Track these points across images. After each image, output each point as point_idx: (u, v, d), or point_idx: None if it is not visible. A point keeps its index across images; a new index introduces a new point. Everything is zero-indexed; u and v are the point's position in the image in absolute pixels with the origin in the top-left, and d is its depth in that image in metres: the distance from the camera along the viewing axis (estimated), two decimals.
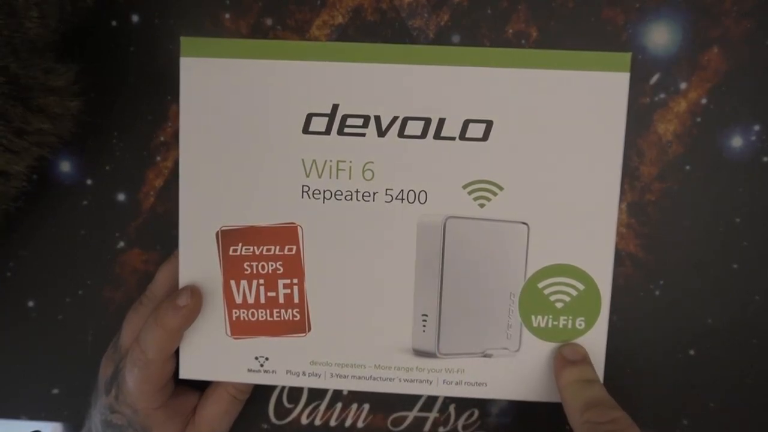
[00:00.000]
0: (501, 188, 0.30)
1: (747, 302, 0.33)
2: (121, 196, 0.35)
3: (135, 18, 0.33)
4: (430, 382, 0.32)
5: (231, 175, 0.31)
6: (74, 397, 0.36)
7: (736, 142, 0.32)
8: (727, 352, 0.33)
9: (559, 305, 0.31)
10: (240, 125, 0.31)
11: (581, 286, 0.31)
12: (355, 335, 0.31)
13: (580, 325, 0.31)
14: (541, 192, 0.30)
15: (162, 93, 0.33)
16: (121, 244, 0.35)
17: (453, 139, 0.30)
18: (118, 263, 0.35)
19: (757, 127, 0.32)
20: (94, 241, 0.35)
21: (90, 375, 0.35)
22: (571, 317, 0.31)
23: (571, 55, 0.29)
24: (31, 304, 0.36)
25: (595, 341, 0.31)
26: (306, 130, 0.30)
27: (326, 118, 0.30)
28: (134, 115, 0.34)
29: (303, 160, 0.31)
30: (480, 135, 0.30)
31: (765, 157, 0.32)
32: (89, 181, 0.35)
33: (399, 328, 0.31)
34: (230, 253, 0.31)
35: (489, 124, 0.30)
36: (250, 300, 0.31)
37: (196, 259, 0.31)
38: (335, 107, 0.30)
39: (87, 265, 0.35)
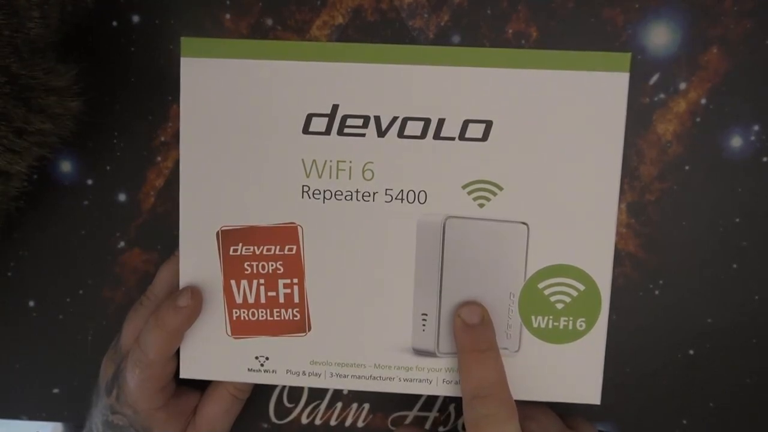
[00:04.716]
0: (501, 188, 0.30)
1: (747, 302, 0.33)
2: (121, 196, 0.35)
3: (135, 18, 0.33)
4: (430, 382, 0.32)
5: (231, 175, 0.31)
6: (74, 397, 0.36)
7: (736, 142, 0.32)
8: (727, 352, 0.33)
9: (559, 306, 0.31)
10: (240, 125, 0.31)
11: (581, 287, 0.31)
12: (355, 335, 0.31)
13: (581, 326, 0.31)
14: (540, 192, 0.30)
15: (162, 93, 0.33)
16: (121, 244, 0.35)
17: (452, 139, 0.30)
18: (118, 263, 0.35)
19: (756, 127, 0.32)
20: (94, 241, 0.35)
21: (90, 375, 0.35)
22: (571, 318, 0.31)
23: (571, 55, 0.30)
24: (31, 304, 0.36)
25: (595, 341, 0.31)
26: (306, 130, 0.30)
27: (326, 119, 0.30)
28: (134, 115, 0.34)
29: (303, 160, 0.31)
30: (480, 135, 0.30)
31: (765, 157, 0.32)
32: (89, 181, 0.35)
33: (399, 327, 0.31)
34: (230, 253, 0.31)
35: (488, 124, 0.30)
36: (251, 300, 0.31)
37: (197, 259, 0.31)
38: (335, 107, 0.30)
39: (87, 265, 0.35)
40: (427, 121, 0.30)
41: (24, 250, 0.35)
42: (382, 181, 0.31)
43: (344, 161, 0.31)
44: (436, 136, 0.30)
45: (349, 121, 0.30)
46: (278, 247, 0.31)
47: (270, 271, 0.31)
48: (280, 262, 0.31)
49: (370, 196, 0.31)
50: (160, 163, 0.34)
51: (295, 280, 0.31)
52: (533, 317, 0.31)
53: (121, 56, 0.33)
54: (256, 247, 0.31)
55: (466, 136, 0.30)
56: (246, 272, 0.31)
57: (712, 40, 0.31)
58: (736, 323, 0.33)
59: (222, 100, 0.30)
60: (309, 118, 0.30)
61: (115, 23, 0.33)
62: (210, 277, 0.31)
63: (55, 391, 0.37)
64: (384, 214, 0.31)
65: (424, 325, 0.31)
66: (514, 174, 0.30)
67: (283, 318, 0.32)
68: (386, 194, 0.31)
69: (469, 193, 0.30)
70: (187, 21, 0.33)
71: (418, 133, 0.30)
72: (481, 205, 0.30)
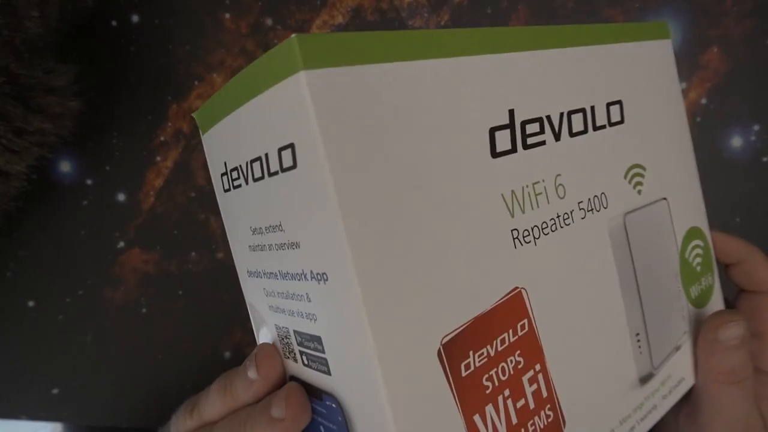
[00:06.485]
0: (645, 169, 0.26)
1: None
2: (121, 196, 0.35)
3: (135, 18, 0.33)
4: (656, 407, 0.26)
5: (416, 250, 0.18)
6: (74, 397, 0.36)
7: (736, 142, 0.32)
8: None
9: (698, 269, 0.28)
10: (408, 166, 0.18)
11: (702, 243, 0.28)
12: (592, 402, 0.23)
13: (710, 280, 0.29)
14: (669, 164, 0.28)
15: (162, 93, 0.33)
16: (121, 244, 0.35)
17: (604, 127, 0.25)
18: (118, 263, 0.35)
19: (756, 127, 0.32)
20: (94, 241, 0.35)
21: (90, 375, 0.35)
22: (706, 276, 0.29)
23: (626, 27, 0.26)
24: (31, 304, 0.36)
25: (719, 292, 0.29)
26: (494, 152, 0.21)
27: (508, 131, 0.22)
28: (134, 115, 0.34)
29: (503, 195, 0.21)
30: (619, 118, 0.26)
31: (765, 157, 0.32)
32: (89, 181, 0.35)
33: (622, 364, 0.24)
34: (463, 373, 0.19)
35: (620, 104, 0.26)
36: (501, 430, 0.20)
37: (415, 404, 0.18)
38: (512, 114, 0.22)
39: (87, 265, 0.35)
40: (584, 112, 0.24)
41: (24, 250, 0.35)
42: (573, 194, 0.23)
43: (538, 182, 0.22)
44: (594, 126, 0.25)
45: (529, 128, 0.22)
46: (511, 331, 0.20)
47: (512, 372, 0.20)
48: (519, 351, 0.21)
49: (569, 216, 0.23)
50: (160, 163, 0.34)
51: (537, 367, 0.21)
52: (691, 288, 0.28)
53: (121, 56, 0.33)
54: (489, 347, 0.20)
55: (612, 120, 0.25)
56: (487, 392, 0.20)
57: (712, 40, 0.31)
58: None
59: (374, 132, 0.18)
60: (492, 133, 0.21)
61: (115, 23, 0.33)
62: (440, 423, 0.19)
63: (55, 391, 0.37)
64: (583, 235, 0.24)
65: (639, 346, 0.25)
66: (649, 150, 0.26)
67: (537, 428, 0.21)
68: (579, 209, 0.23)
69: (629, 181, 0.26)
70: (187, 21, 0.33)
71: (582, 128, 0.24)
72: (639, 192, 0.26)
